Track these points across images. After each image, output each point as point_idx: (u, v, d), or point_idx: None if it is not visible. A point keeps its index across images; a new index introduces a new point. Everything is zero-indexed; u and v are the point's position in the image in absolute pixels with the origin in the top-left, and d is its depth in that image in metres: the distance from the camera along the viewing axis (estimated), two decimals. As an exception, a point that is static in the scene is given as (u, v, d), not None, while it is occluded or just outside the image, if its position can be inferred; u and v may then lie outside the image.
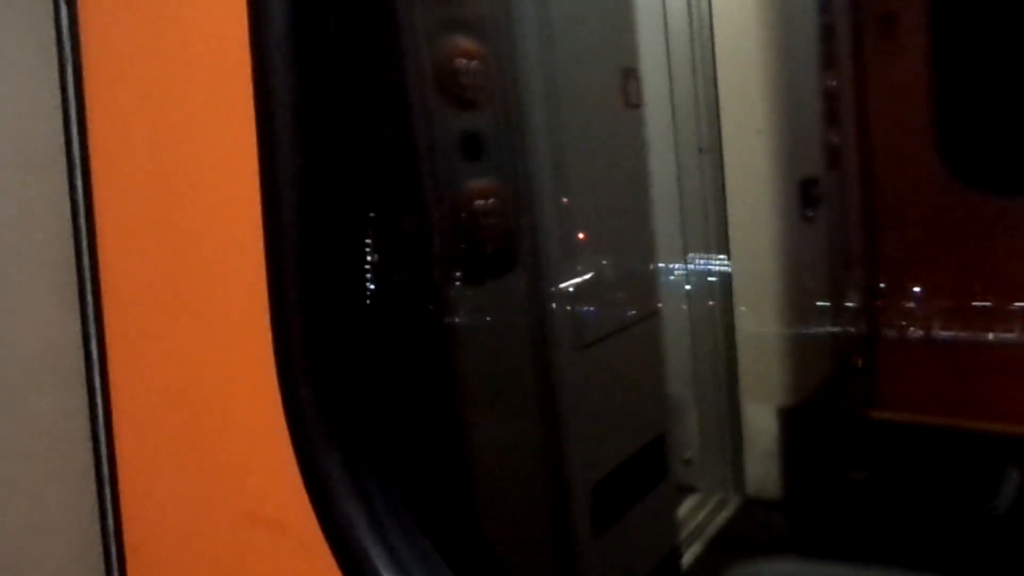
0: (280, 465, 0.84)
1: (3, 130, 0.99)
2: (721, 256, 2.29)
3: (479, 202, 1.38)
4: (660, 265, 2.16)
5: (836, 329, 2.43)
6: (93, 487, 1.03)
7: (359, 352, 0.88)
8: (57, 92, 1.02)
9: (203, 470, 0.94)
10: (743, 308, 2.29)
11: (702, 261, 2.31)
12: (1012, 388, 2.11)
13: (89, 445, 1.03)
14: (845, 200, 2.43)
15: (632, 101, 1.76)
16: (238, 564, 0.91)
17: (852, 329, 2.43)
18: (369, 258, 1.02)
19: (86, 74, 1.01)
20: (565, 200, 1.59)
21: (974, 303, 2.15)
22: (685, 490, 2.33)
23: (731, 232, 2.27)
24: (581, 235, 1.65)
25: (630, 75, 1.76)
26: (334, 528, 0.82)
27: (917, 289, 2.25)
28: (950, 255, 2.20)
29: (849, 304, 2.45)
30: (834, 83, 2.32)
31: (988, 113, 2.04)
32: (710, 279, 2.31)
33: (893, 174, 2.34)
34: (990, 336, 2.13)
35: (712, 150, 2.26)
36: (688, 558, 2.04)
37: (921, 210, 2.26)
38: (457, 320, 1.36)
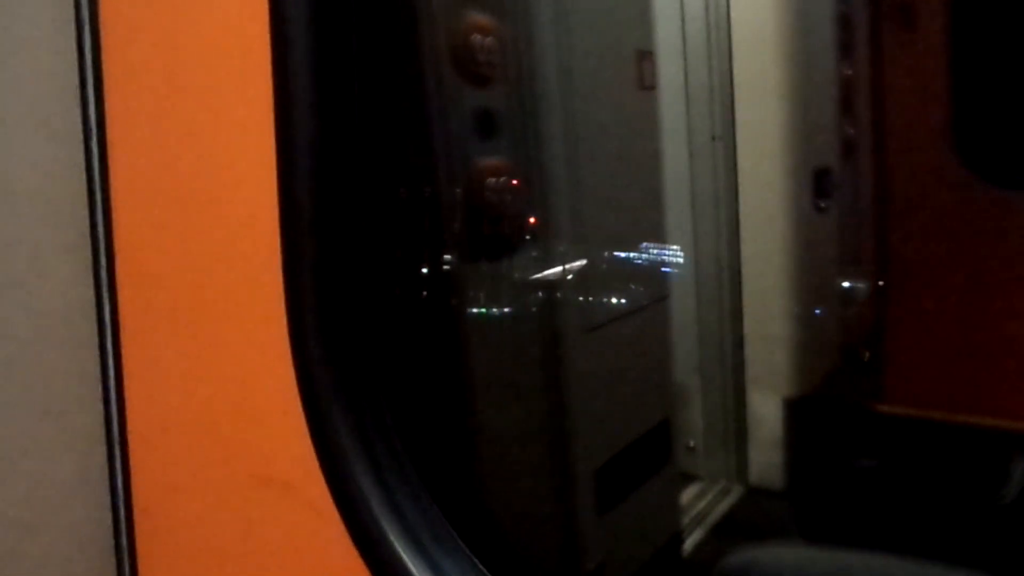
0: (290, 426, 0.85)
1: (20, 96, 1.00)
2: (729, 244, 2.28)
3: (490, 180, 1.38)
4: (669, 251, 2.15)
5: (844, 321, 2.42)
6: (103, 448, 1.04)
7: (370, 319, 0.88)
8: (74, 59, 1.03)
9: (212, 431, 0.94)
10: (751, 297, 2.28)
11: (710, 248, 2.30)
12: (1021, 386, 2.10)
13: (100, 406, 1.03)
14: (858, 192, 2.42)
15: (646, 83, 1.76)
16: (247, 525, 0.92)
17: (860, 322, 2.42)
18: (382, 228, 1.02)
19: (103, 39, 1.01)
20: (576, 181, 1.58)
21: (985, 299, 2.14)
22: (688, 478, 2.33)
23: (742, 221, 2.26)
24: (591, 217, 1.64)
25: (645, 57, 1.75)
26: (342, 490, 0.82)
27: (928, 284, 2.24)
28: (962, 250, 2.19)
29: (858, 297, 2.45)
30: (850, 72, 2.30)
31: (1006, 108, 2.02)
32: (719, 267, 2.31)
33: (907, 167, 2.32)
34: (1001, 333, 2.12)
35: (725, 138, 2.25)
36: (690, 543, 2.05)
37: (934, 204, 2.24)
38: (466, 297, 1.36)
